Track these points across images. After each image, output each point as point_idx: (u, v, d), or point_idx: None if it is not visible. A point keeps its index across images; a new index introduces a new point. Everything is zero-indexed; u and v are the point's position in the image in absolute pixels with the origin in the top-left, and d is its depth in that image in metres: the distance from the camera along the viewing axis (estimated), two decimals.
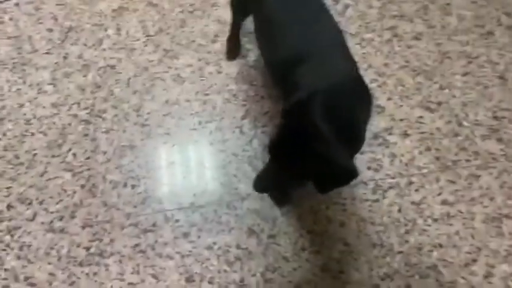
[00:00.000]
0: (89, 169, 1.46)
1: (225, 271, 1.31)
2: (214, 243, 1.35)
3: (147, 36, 1.71)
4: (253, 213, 1.39)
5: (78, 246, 1.35)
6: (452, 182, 1.46)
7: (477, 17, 1.79)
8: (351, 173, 1.00)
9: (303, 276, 1.30)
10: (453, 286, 1.29)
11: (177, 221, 1.38)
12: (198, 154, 1.50)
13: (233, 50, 1.65)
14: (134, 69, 1.64)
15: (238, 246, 1.34)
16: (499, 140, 1.53)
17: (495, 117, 1.58)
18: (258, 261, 1.32)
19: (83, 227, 1.37)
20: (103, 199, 1.41)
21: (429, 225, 1.38)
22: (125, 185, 1.44)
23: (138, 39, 1.71)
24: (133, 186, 1.43)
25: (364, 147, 1.50)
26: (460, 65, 1.68)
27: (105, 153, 1.49)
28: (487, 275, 1.31)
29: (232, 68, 1.65)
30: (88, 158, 1.48)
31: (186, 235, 1.36)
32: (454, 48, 1.71)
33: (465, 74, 1.66)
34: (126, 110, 1.56)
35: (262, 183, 1.07)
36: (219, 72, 1.64)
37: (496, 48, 1.72)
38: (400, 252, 1.34)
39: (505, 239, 1.37)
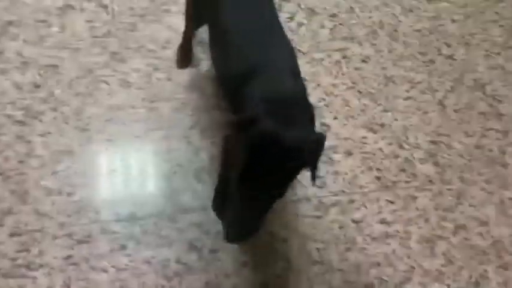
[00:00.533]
0: (21, 174, 1.37)
1: (163, 286, 1.26)
2: (153, 257, 1.30)
3: (94, 37, 1.64)
4: (195, 227, 1.36)
5: (4, 256, 1.25)
6: (391, 202, 1.51)
7: (421, 45, 1.88)
8: (321, 138, 0.96)
9: None
10: None
11: (114, 232, 1.32)
12: (140, 163, 1.44)
13: (184, 59, 1.62)
14: (78, 71, 1.57)
15: (178, 261, 1.31)
16: (436, 163, 1.61)
17: (433, 142, 1.65)
18: (198, 277, 1.29)
19: (11, 236, 1.28)
20: (35, 206, 1.32)
21: (368, 244, 1.42)
22: (60, 193, 1.35)
23: (83, 40, 1.63)
24: (68, 194, 1.36)
25: None
26: (403, 89, 1.75)
27: (40, 157, 1.40)
28: None
29: (182, 76, 1.61)
30: (21, 161, 1.38)
31: (123, 248, 1.30)
32: (399, 73, 1.79)
33: (407, 99, 1.73)
34: (66, 113, 1.48)
35: (243, 231, 0.93)
36: (169, 80, 1.60)
37: (436, 75, 1.81)
38: (340, 269, 1.36)
39: (437, 259, 1.43)
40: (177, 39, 1.66)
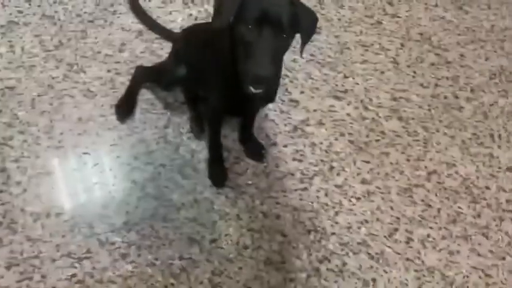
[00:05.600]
0: (3, 204, 1.33)
1: (172, 285, 1.29)
2: (156, 258, 1.32)
3: (46, 51, 1.59)
4: (191, 222, 1.39)
5: None
6: (367, 162, 1.60)
7: (366, 8, 1.96)
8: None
9: (249, 274, 1.34)
10: (381, 256, 1.43)
11: (112, 243, 1.32)
12: (123, 170, 1.44)
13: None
14: (37, 89, 1.52)
15: (181, 257, 1.33)
16: (400, 118, 1.71)
17: (394, 99, 1.75)
18: (203, 268, 1.33)
19: (8, 268, 1.25)
20: (26, 233, 1.30)
21: (354, 205, 1.50)
22: (48, 215, 1.33)
23: (36, 55, 1.57)
24: (57, 215, 1.34)
25: (287, 140, 1.58)
26: (358, 53, 1.83)
27: (19, 183, 1.36)
28: (408, 241, 1.47)
29: None
30: (0, 191, 1.34)
31: (124, 256, 1.31)
32: (351, 39, 1.86)
33: (364, 62, 1.82)
34: (35, 133, 1.44)
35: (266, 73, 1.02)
36: None
37: (385, 35, 1.90)
38: (333, 233, 1.44)
39: (417, 206, 1.54)
40: (132, 40, 1.64)
